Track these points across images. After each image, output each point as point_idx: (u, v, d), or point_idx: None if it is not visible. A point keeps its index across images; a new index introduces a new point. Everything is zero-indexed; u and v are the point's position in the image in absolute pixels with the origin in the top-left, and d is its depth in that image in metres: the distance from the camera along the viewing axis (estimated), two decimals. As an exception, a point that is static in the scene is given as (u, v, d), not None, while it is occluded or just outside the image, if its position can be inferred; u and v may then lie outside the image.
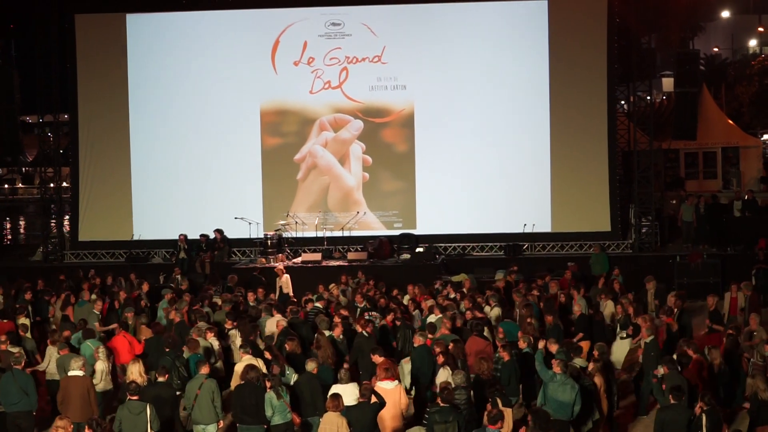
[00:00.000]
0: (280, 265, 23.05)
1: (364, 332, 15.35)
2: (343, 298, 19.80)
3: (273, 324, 16.42)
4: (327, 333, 15.54)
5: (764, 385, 12.58)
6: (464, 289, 19.74)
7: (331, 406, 11.70)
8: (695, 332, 17.80)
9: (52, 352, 15.16)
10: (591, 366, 13.61)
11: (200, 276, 24.67)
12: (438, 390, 12.35)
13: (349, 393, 12.27)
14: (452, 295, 19.01)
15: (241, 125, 27.62)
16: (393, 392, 12.51)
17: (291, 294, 21.20)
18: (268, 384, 12.69)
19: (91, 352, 14.90)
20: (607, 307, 18.49)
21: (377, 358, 13.53)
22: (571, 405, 12.42)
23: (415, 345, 14.67)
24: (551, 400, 12.51)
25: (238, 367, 13.75)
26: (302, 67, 27.47)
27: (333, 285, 20.73)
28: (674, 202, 30.41)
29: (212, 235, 26.34)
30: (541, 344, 14.42)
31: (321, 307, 17.97)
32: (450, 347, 14.07)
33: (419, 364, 14.38)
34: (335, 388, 12.47)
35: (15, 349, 14.72)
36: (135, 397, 12.17)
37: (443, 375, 13.21)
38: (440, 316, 16.19)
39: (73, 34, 27.81)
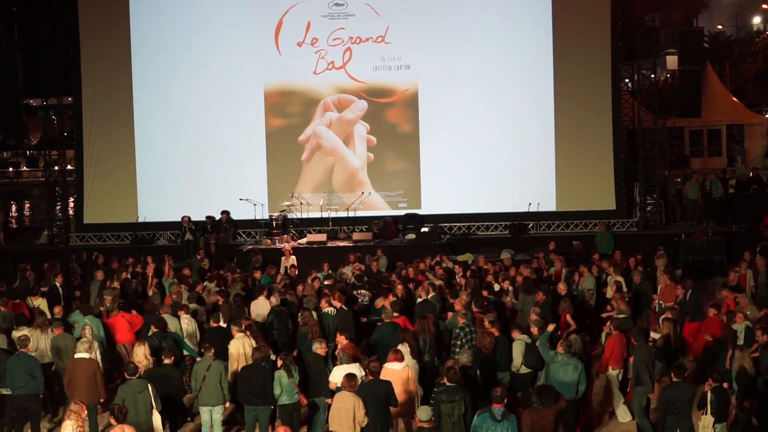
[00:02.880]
0: (287, 246, 23.03)
1: (343, 307, 15.64)
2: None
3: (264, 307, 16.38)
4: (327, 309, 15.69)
5: None
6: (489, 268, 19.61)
7: (347, 385, 11.49)
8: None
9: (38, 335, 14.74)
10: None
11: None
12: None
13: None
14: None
15: (245, 106, 27.57)
16: (401, 373, 12.46)
17: (294, 275, 21.18)
18: (279, 361, 12.69)
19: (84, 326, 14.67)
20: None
21: (341, 340, 13.55)
22: (575, 385, 12.47)
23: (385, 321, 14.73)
24: (553, 380, 12.49)
25: (231, 347, 13.80)
26: (306, 47, 27.38)
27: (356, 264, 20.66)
28: (679, 179, 30.33)
29: (218, 217, 26.36)
30: (550, 327, 14.25)
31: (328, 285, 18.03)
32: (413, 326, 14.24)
33: (385, 341, 14.26)
34: (340, 369, 12.37)
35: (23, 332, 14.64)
36: (134, 377, 12.23)
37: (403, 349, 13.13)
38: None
39: (76, 16, 27.70)
